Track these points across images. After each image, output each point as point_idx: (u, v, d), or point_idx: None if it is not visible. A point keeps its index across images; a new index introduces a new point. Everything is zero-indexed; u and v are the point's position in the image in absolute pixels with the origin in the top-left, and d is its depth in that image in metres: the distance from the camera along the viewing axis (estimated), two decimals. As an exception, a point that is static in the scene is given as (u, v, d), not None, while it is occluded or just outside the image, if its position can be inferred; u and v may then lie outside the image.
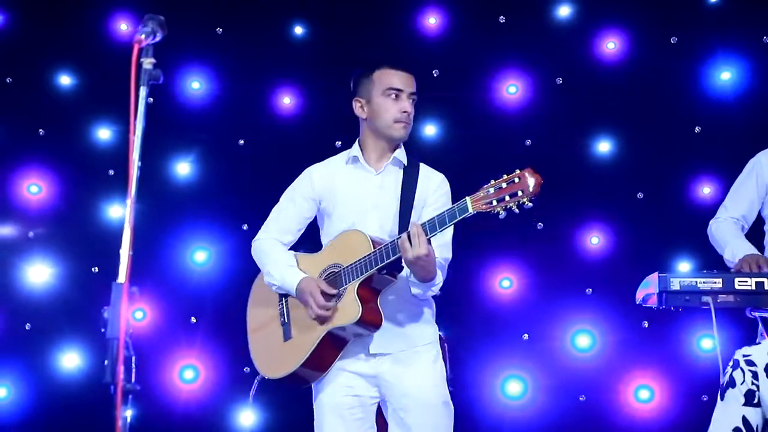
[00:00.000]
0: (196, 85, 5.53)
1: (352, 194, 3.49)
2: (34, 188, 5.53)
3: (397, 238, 3.19)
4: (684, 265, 5.10)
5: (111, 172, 5.49)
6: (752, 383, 2.81)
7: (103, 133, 5.54)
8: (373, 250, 3.25)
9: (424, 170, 3.55)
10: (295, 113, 5.53)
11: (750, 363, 2.83)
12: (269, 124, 5.51)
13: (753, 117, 5.20)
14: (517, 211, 2.99)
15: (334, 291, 3.32)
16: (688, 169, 5.27)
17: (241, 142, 5.55)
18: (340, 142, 5.22)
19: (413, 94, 3.48)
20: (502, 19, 5.46)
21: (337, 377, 3.39)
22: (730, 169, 5.07)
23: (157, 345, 5.32)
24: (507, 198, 2.98)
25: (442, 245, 3.39)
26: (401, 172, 3.51)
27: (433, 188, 3.50)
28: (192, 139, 5.52)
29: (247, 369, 5.31)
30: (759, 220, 4.03)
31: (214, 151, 5.53)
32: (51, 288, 5.45)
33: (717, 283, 3.44)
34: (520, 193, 2.97)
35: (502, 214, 3.01)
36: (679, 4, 5.32)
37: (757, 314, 3.48)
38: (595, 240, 5.30)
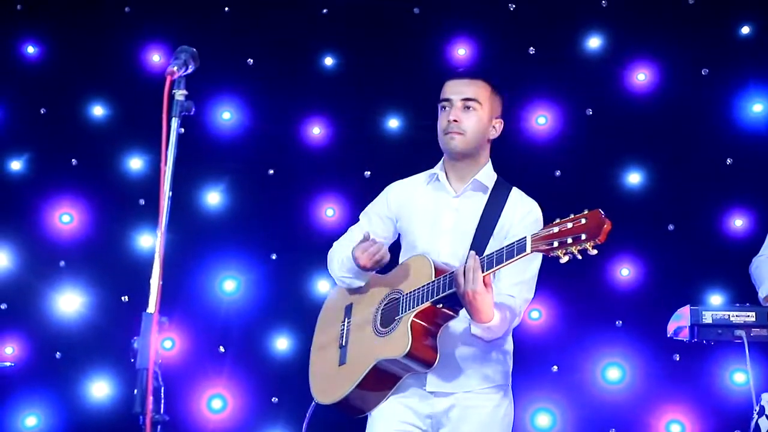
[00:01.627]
0: (226, 116, 5.56)
1: (428, 215, 3.27)
2: (66, 217, 5.57)
3: (451, 272, 2.96)
4: (716, 298, 5.04)
5: (142, 201, 5.52)
6: None
7: (135, 163, 5.58)
8: (433, 279, 3.01)
9: (515, 196, 3.28)
10: (324, 143, 5.54)
11: (775, 409, 2.78)
12: (299, 154, 5.52)
13: (786, 149, 5.16)
14: (579, 257, 2.66)
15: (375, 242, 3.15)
16: (719, 201, 5.21)
17: (271, 171, 5.56)
18: (369, 172, 5.24)
19: (468, 99, 3.24)
20: (531, 50, 5.46)
21: (392, 410, 3.16)
22: (762, 202, 5.04)
23: (186, 374, 5.31)
24: (569, 241, 2.66)
25: (522, 283, 3.14)
26: (485, 197, 3.26)
27: (519, 217, 3.20)
28: (222, 169, 5.54)
29: (275, 399, 5.29)
30: None
31: (243, 181, 5.55)
32: (81, 317, 5.47)
33: (750, 316, 3.40)
34: (583, 237, 2.64)
35: (564, 259, 2.70)
36: (710, 36, 5.29)
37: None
38: (625, 272, 5.25)
